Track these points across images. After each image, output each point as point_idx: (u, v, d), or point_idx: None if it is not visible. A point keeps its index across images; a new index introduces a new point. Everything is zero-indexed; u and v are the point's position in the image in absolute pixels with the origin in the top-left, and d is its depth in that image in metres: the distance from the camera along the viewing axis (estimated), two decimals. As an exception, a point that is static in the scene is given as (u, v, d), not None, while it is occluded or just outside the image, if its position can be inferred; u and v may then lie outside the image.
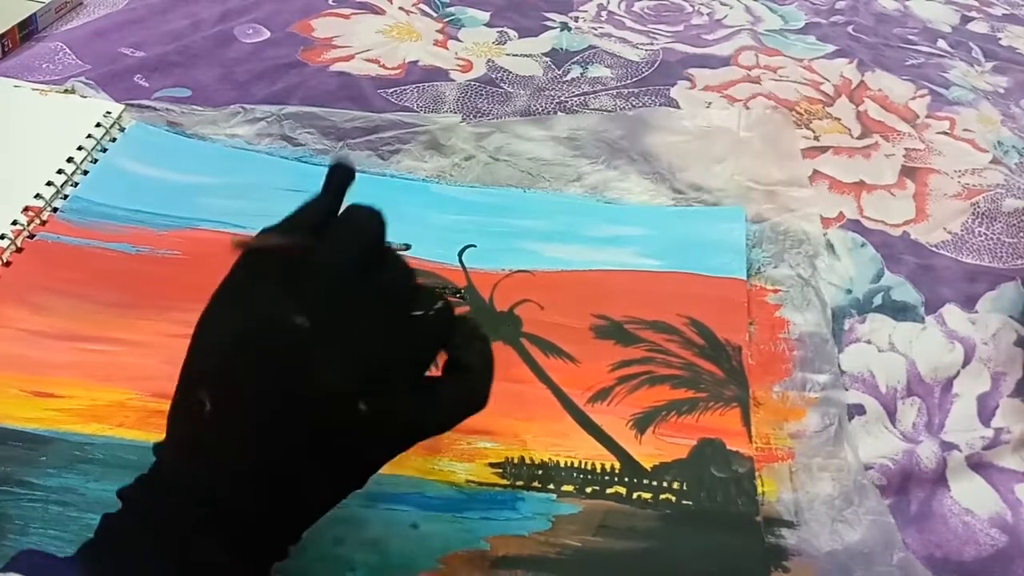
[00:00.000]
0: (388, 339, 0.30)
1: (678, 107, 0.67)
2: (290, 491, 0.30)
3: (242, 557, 0.29)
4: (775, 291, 0.52)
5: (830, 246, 0.55)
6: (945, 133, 0.68)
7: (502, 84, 0.69)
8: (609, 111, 0.66)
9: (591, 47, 0.75)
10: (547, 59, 0.73)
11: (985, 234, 0.58)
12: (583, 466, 0.42)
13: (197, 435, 0.30)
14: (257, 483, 0.29)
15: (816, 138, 0.65)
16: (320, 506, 0.31)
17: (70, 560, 0.28)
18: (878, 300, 0.52)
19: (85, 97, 0.61)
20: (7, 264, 0.48)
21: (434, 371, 0.32)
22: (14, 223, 0.50)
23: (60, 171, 0.54)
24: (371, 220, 0.32)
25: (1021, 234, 0.58)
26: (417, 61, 0.70)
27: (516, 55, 0.73)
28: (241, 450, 0.29)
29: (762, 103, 0.68)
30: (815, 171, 0.62)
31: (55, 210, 0.52)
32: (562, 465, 0.42)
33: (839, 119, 0.68)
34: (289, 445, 0.29)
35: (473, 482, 0.41)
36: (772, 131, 0.65)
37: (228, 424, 0.29)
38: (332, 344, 0.29)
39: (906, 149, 0.65)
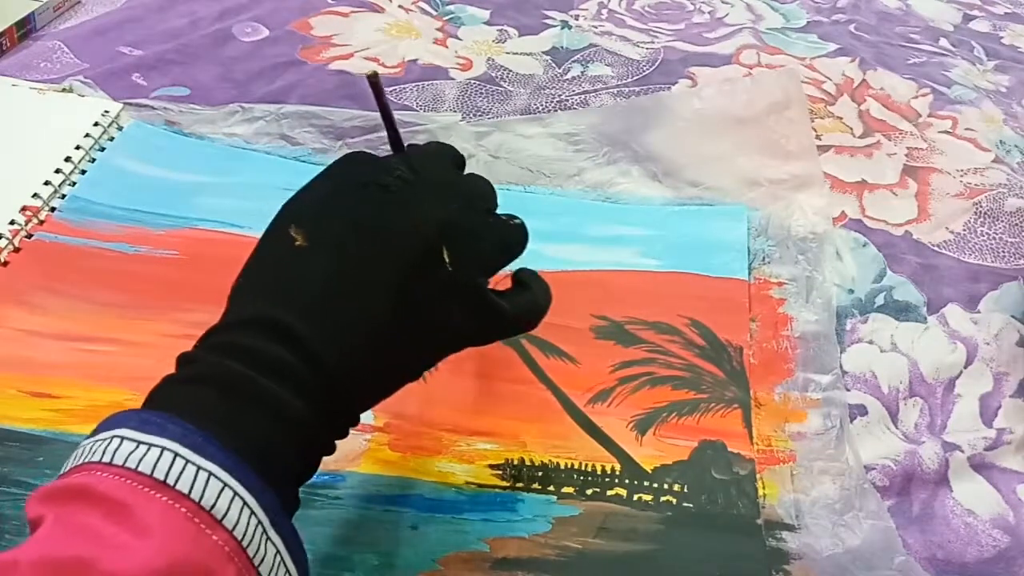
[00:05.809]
0: (474, 220, 0.32)
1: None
2: (374, 341, 0.29)
3: (321, 413, 0.28)
4: (779, 284, 0.52)
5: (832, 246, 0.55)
6: (947, 132, 0.67)
7: (502, 82, 0.68)
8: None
9: (592, 45, 0.75)
10: (547, 57, 0.72)
11: (987, 233, 0.58)
12: (583, 468, 0.42)
13: (286, 274, 0.29)
14: (347, 328, 0.28)
15: (818, 137, 0.65)
16: (393, 376, 0.31)
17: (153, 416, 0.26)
18: (880, 300, 0.52)
19: (83, 96, 0.61)
20: (5, 264, 0.48)
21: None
22: (12, 223, 0.50)
23: (58, 170, 0.53)
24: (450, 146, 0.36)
25: (1023, 233, 0.58)
26: (417, 59, 0.70)
27: (516, 53, 0.73)
28: (334, 290, 0.29)
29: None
30: (816, 170, 0.62)
31: (53, 209, 0.52)
32: (562, 467, 0.42)
33: (841, 118, 0.68)
34: (380, 284, 0.29)
35: (472, 483, 0.41)
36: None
37: (320, 259, 0.29)
38: (429, 203, 0.31)
39: (908, 148, 0.65)
